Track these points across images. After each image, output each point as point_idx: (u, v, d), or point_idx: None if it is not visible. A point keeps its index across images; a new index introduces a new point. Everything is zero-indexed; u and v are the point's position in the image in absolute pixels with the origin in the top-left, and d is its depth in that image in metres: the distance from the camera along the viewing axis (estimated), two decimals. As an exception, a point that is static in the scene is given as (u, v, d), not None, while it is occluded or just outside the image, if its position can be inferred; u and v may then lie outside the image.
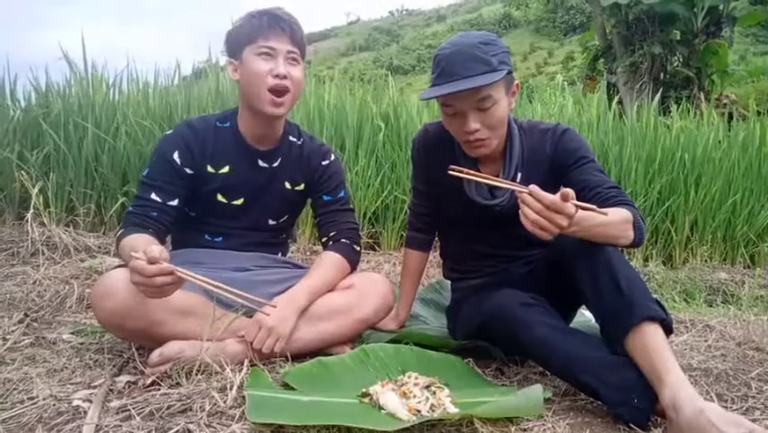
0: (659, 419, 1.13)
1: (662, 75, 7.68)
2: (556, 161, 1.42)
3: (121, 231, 1.37)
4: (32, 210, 2.39)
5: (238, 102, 1.51)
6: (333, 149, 1.66)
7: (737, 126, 3.93)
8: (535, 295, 1.33)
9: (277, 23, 1.41)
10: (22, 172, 2.62)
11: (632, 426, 1.10)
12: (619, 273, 1.17)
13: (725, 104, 7.11)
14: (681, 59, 7.67)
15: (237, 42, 1.44)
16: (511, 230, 1.37)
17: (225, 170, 1.48)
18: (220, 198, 1.49)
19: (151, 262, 1.08)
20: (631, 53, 7.76)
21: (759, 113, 3.98)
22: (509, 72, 1.32)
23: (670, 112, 4.12)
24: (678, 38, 7.64)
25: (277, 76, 1.38)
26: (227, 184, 1.49)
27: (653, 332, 1.11)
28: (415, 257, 1.68)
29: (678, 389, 1.04)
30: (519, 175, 1.43)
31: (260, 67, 1.39)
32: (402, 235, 3.04)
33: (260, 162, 1.52)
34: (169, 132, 1.50)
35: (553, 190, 1.09)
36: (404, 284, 1.69)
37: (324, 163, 1.59)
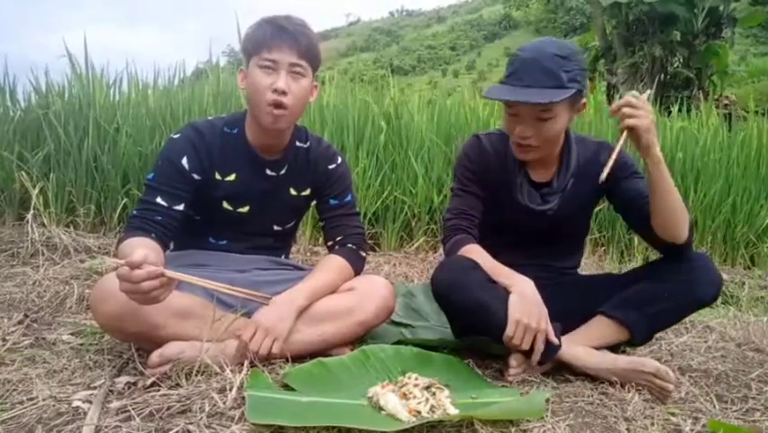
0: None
1: (662, 75, 7.69)
2: (611, 174, 1.39)
3: (122, 235, 1.33)
4: (32, 211, 2.38)
5: (245, 106, 1.49)
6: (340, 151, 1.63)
7: (737, 126, 3.93)
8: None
9: (280, 34, 1.36)
10: (23, 173, 2.61)
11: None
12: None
13: (725, 104, 7.10)
14: (681, 60, 7.68)
15: (245, 52, 1.41)
16: (554, 240, 1.55)
17: (232, 177, 1.46)
18: (225, 205, 1.47)
19: (133, 267, 1.04)
20: (631, 54, 7.77)
21: (759, 113, 3.98)
22: (578, 91, 1.34)
23: (670, 112, 4.12)
24: (678, 39, 7.65)
25: (275, 90, 1.34)
26: (233, 192, 1.47)
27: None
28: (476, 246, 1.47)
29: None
30: (571, 181, 1.49)
31: (262, 80, 1.35)
32: (402, 236, 3.04)
33: (268, 171, 1.50)
34: (174, 135, 1.45)
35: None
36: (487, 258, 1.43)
37: (330, 167, 1.56)
